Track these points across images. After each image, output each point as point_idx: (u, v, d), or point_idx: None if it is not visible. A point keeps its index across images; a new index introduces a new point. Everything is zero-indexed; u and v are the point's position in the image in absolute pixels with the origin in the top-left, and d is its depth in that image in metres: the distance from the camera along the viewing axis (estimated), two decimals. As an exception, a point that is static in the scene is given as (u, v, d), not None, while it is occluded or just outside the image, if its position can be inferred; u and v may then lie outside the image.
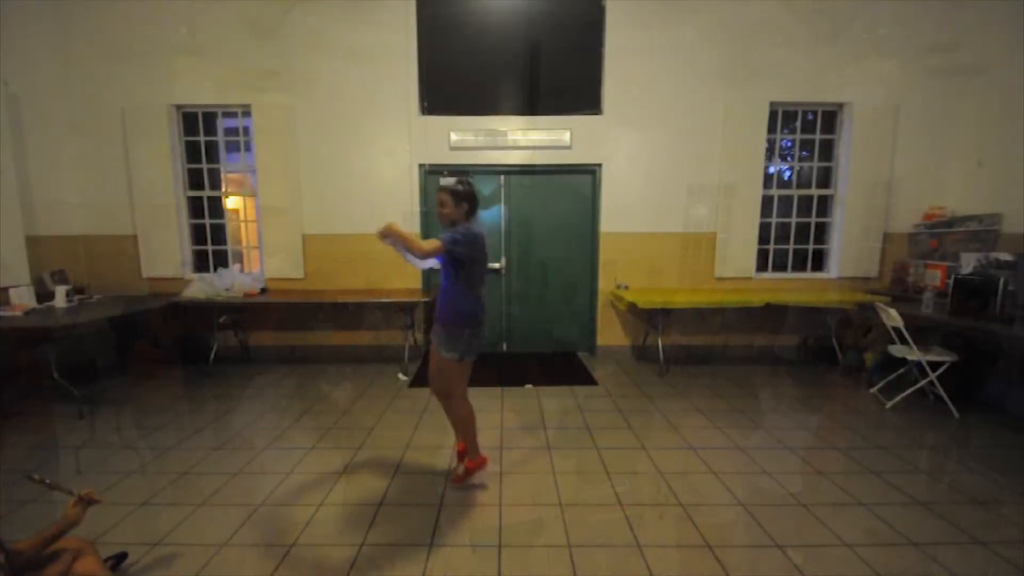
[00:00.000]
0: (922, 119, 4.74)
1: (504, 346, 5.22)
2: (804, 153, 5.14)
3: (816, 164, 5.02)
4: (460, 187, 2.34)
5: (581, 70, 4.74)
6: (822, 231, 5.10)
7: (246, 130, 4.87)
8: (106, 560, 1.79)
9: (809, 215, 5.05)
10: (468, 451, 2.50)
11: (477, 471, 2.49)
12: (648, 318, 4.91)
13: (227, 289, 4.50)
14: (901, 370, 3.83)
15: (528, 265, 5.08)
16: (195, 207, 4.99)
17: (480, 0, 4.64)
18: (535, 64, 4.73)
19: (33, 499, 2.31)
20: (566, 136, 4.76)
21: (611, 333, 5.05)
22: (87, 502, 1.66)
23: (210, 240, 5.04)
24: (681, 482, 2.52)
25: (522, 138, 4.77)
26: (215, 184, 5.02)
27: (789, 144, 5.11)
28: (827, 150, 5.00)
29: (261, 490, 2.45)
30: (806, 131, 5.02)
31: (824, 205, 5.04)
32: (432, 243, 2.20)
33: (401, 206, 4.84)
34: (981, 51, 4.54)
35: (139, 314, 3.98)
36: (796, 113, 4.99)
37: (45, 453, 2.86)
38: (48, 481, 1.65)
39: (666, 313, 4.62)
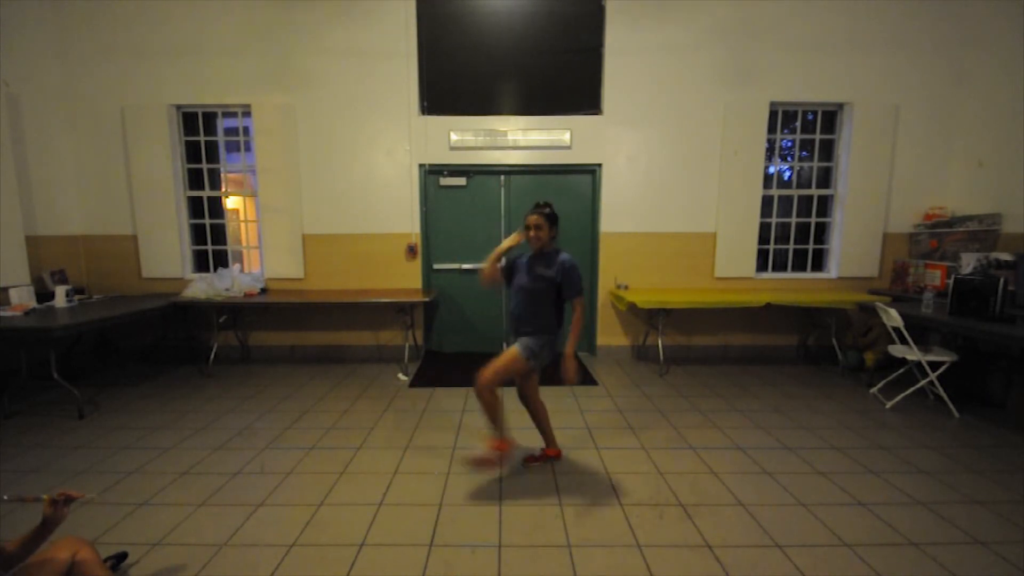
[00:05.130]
0: (922, 119, 4.75)
1: (504, 346, 5.21)
2: (804, 153, 5.15)
3: (816, 164, 5.02)
4: (549, 210, 2.45)
5: (581, 70, 4.74)
6: (822, 231, 5.10)
7: (246, 130, 4.87)
8: (106, 560, 1.79)
9: (809, 215, 5.05)
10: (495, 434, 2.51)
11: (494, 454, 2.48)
12: (648, 318, 4.91)
13: (227, 289, 4.50)
14: (901, 370, 3.83)
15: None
16: (195, 207, 5.00)
17: (480, 0, 4.64)
18: (535, 64, 4.73)
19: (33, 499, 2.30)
20: (566, 136, 4.76)
21: (611, 333, 5.05)
22: (63, 501, 1.59)
23: (210, 240, 5.04)
24: (681, 482, 2.52)
25: (522, 138, 4.77)
26: (215, 184, 5.02)
27: (789, 144, 5.11)
28: (827, 150, 5.00)
29: (261, 490, 2.45)
30: (806, 131, 5.02)
31: (824, 205, 5.04)
32: (580, 302, 2.45)
33: (401, 206, 4.84)
34: (982, 51, 4.54)
35: (139, 314, 3.97)
36: (796, 113, 4.99)
37: (45, 453, 2.86)
38: (15, 497, 1.62)
39: (666, 313, 4.62)
